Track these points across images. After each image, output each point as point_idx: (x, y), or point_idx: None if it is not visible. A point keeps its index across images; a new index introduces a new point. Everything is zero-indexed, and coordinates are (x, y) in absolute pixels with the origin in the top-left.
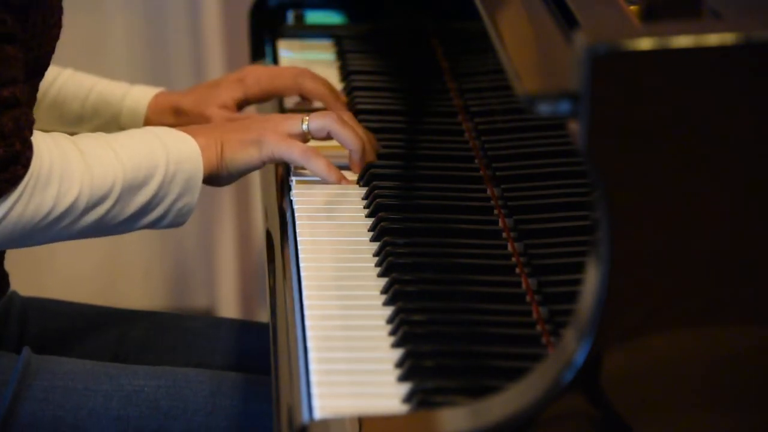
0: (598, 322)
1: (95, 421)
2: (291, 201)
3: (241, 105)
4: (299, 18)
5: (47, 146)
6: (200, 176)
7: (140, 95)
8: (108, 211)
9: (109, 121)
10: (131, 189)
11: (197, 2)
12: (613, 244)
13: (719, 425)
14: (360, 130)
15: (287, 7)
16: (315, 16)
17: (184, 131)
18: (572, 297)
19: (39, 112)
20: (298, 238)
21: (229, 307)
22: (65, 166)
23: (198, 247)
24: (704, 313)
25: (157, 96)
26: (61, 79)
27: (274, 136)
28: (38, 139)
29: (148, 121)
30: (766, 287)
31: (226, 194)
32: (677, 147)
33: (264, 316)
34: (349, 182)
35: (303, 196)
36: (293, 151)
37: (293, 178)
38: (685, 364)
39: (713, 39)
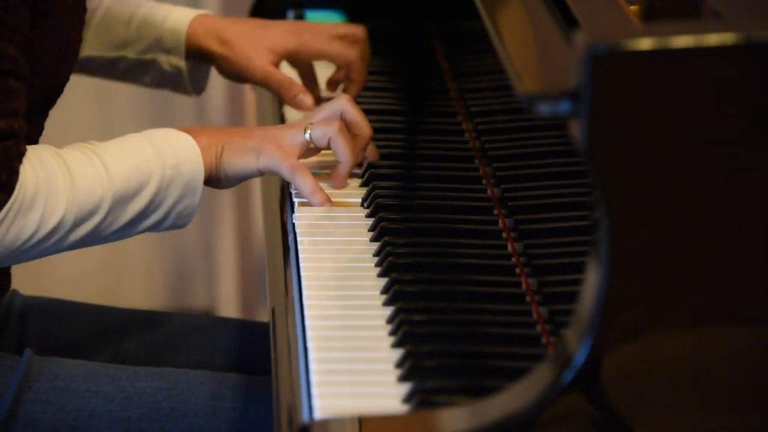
0: (598, 322)
1: (96, 423)
2: (291, 201)
3: (288, 57)
4: (299, 18)
5: (33, 169)
6: (201, 178)
7: (180, 16)
8: (99, 224)
9: (152, 44)
10: (122, 200)
11: (197, 2)
12: (613, 244)
13: (720, 425)
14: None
15: (287, 7)
16: (315, 16)
17: (185, 131)
18: (572, 297)
19: (87, 37)
20: (298, 239)
21: (229, 307)
22: (50, 187)
23: (198, 247)
24: (704, 313)
25: (200, 18)
26: (107, 3)
27: (273, 147)
28: (24, 162)
29: (190, 44)
30: (766, 287)
31: (226, 194)
32: (677, 147)
33: (264, 316)
34: (332, 205)
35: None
36: (282, 166)
37: None
38: (685, 364)
39: (713, 39)
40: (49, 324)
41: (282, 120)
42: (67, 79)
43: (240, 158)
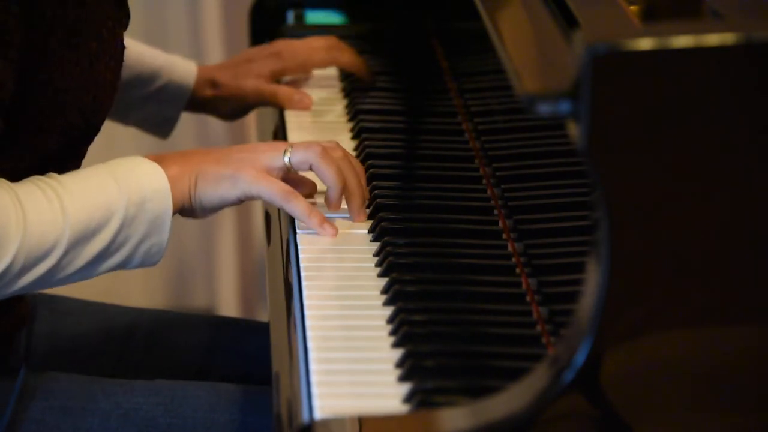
0: (598, 322)
1: None
2: None
3: (276, 76)
4: (299, 18)
5: None
6: (169, 214)
7: (185, 70)
8: (53, 267)
9: (152, 93)
10: (80, 241)
11: (197, 2)
12: (613, 244)
13: (719, 425)
14: (346, 165)
15: (287, 7)
16: (315, 16)
17: (156, 160)
18: (572, 297)
19: None
20: (298, 239)
21: (229, 307)
22: (2, 232)
23: (198, 247)
24: (704, 313)
25: (198, 70)
26: None
27: (252, 172)
28: None
29: (191, 96)
30: (766, 287)
31: None
32: (677, 147)
33: (264, 316)
34: (334, 231)
35: None
36: (273, 192)
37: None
38: (685, 364)
39: (713, 39)
40: (56, 323)
41: (282, 119)
42: (101, 121)
43: (216, 188)
